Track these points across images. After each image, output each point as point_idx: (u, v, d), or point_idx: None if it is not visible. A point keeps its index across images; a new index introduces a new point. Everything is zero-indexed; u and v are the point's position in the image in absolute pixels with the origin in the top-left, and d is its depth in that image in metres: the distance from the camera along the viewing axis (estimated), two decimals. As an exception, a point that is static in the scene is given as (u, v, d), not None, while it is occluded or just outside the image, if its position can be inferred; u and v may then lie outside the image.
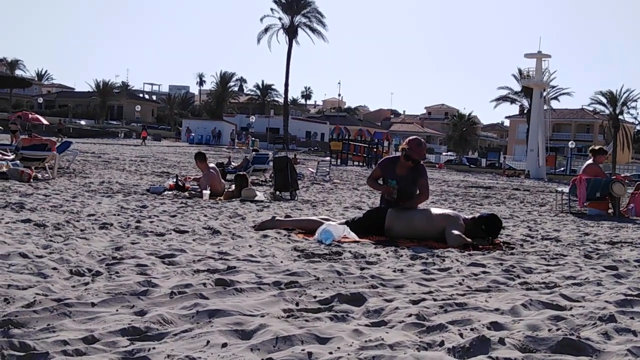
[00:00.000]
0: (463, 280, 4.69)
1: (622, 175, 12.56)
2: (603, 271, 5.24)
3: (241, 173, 12.99)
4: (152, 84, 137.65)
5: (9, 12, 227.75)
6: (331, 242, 6.34)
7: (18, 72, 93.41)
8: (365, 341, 2.95)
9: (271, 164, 16.32)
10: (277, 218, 7.65)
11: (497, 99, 72.74)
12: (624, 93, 68.22)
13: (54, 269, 4.35)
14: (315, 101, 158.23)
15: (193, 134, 69.92)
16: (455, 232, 6.71)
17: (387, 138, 53.84)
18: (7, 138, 32.23)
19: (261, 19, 71.72)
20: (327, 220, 7.32)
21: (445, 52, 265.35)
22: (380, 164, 7.85)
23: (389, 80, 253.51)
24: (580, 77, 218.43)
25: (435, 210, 7.33)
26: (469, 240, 6.62)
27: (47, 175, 14.15)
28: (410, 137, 7.70)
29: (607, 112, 70.88)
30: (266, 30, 71.59)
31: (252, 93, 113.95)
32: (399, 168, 7.52)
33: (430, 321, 3.37)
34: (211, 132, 71.29)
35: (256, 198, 11.45)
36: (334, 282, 4.39)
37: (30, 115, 42.66)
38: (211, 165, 12.82)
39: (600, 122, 76.83)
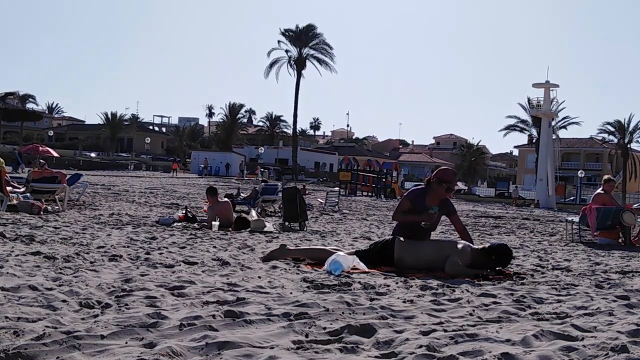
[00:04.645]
0: (474, 310, 4.66)
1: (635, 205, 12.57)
2: (615, 301, 5.19)
3: (243, 216, 12.62)
4: (161, 116, 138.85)
5: (20, 46, 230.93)
6: (340, 272, 6.32)
7: (29, 106, 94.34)
8: (375, 373, 2.93)
9: (280, 194, 16.36)
10: (286, 247, 7.64)
11: (506, 128, 72.90)
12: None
13: (64, 301, 4.35)
14: (324, 132, 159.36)
15: (202, 166, 69.92)
16: (455, 259, 6.67)
17: (396, 168, 53.85)
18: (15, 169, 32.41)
19: (268, 53, 72.37)
20: (337, 250, 7.30)
21: (454, 82, 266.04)
22: (408, 197, 7.63)
23: (397, 110, 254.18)
24: (589, 106, 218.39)
25: (444, 241, 7.32)
26: (468, 270, 6.57)
27: (57, 207, 14.22)
28: (443, 169, 7.64)
29: (615, 141, 70.95)
30: (272, 64, 72.18)
31: (261, 124, 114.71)
32: (429, 200, 7.46)
33: (440, 352, 3.35)
34: (203, 164, 67.60)
35: (265, 229, 11.46)
36: (343, 313, 4.37)
37: (40, 148, 42.97)
38: (224, 200, 12.89)
39: (609, 151, 76.71)
